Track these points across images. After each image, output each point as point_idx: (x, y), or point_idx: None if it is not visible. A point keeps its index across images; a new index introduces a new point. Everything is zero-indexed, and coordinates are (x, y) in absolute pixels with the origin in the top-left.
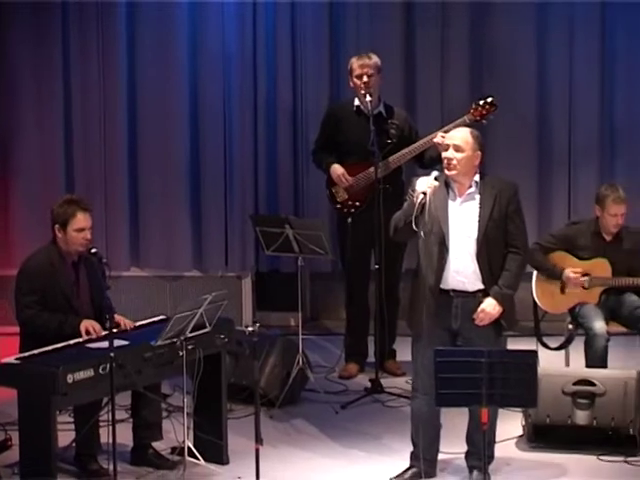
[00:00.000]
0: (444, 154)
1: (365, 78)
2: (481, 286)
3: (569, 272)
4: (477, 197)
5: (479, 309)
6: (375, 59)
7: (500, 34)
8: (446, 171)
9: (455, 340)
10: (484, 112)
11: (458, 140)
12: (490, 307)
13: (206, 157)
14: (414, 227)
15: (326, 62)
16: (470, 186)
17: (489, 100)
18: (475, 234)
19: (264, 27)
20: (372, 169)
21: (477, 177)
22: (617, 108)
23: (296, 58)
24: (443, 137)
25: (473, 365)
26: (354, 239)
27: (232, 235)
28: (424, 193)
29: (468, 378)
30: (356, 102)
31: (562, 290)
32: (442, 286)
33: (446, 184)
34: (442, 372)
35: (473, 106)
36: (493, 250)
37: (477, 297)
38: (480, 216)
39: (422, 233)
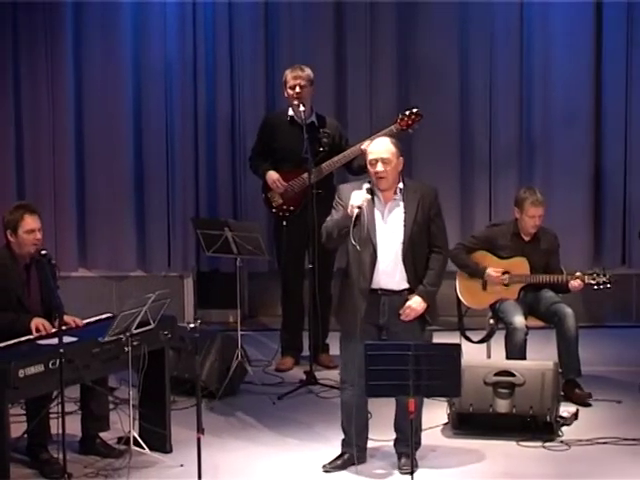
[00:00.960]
0: (374, 169)
1: (298, 89)
2: (407, 285)
3: (490, 271)
4: (401, 203)
5: (405, 305)
6: (308, 71)
7: (425, 39)
8: (377, 184)
9: (381, 334)
10: (410, 122)
11: (385, 153)
12: (416, 304)
13: (149, 163)
14: (352, 240)
15: (262, 73)
16: (395, 192)
17: (414, 110)
18: (401, 238)
19: (204, 33)
20: (305, 175)
21: (401, 184)
22: (535, 115)
23: (234, 68)
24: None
25: (401, 358)
26: (289, 241)
27: (174, 237)
28: (359, 207)
29: (396, 370)
30: (290, 112)
31: (484, 287)
32: (372, 286)
33: (372, 192)
34: (372, 365)
35: (399, 116)
36: (417, 251)
37: (403, 295)
38: (405, 221)
39: (357, 245)
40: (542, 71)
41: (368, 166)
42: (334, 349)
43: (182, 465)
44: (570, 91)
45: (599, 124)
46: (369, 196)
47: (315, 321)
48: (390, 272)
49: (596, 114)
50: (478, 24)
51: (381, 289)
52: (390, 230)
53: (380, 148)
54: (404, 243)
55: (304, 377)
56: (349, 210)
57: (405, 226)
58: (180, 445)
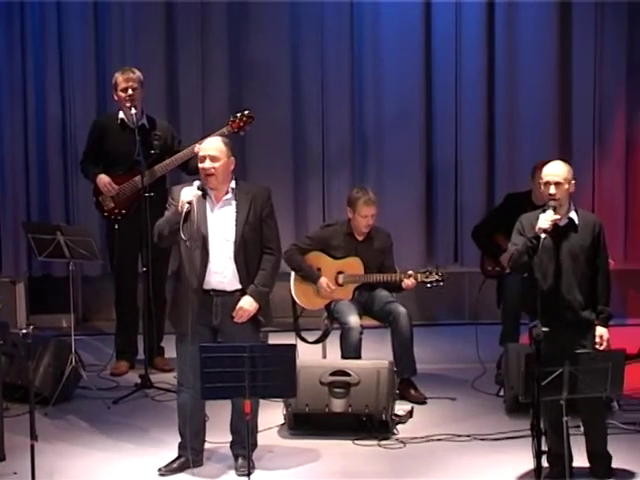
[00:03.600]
0: (201, 165)
1: (130, 91)
2: (239, 286)
3: (323, 282)
4: (233, 202)
5: (237, 307)
6: (138, 73)
7: (256, 40)
8: (206, 181)
9: (216, 336)
10: (241, 124)
11: (213, 151)
12: (247, 304)
13: None
14: (182, 235)
15: (92, 75)
16: (227, 192)
17: (246, 112)
18: (233, 237)
19: (31, 34)
20: (137, 178)
21: (233, 183)
22: (366, 116)
23: (64, 70)
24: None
25: (236, 360)
26: (122, 244)
27: (5, 242)
28: (189, 202)
29: (232, 372)
30: (121, 115)
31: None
32: (204, 287)
33: (204, 191)
34: (207, 367)
35: (231, 118)
36: (250, 252)
37: (235, 296)
38: (237, 220)
39: (188, 241)
40: (373, 71)
41: (198, 163)
42: (169, 352)
43: (15, 473)
44: (401, 91)
45: (430, 123)
46: (199, 192)
47: (150, 324)
48: (222, 272)
49: (427, 114)
50: (309, 24)
51: (213, 290)
52: (222, 229)
53: (210, 146)
54: (235, 242)
55: (139, 381)
56: (179, 206)
57: (237, 226)
58: (13, 452)
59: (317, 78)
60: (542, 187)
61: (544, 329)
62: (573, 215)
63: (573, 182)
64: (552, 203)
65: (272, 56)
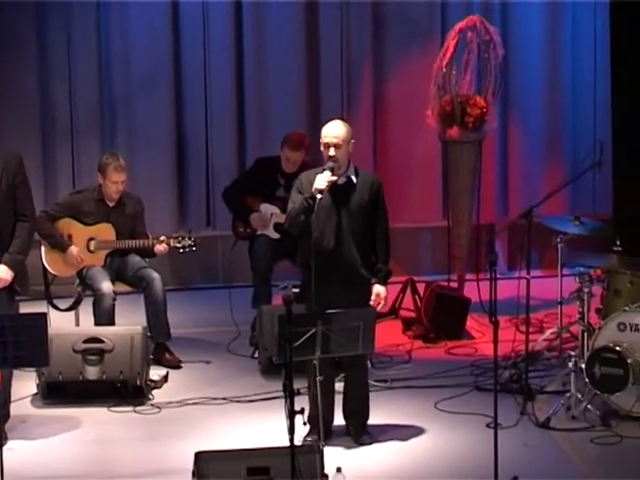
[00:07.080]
0: None
1: None
2: None
3: (73, 250)
4: None
5: None
6: None
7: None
8: None
9: None
10: None
11: None
12: (3, 273)
13: None
14: None
15: None
16: None
17: None
18: None
19: None
20: None
21: None
22: (115, 81)
23: None
24: None
25: None
26: None
27: None
28: None
29: None
30: None
31: None
32: None
33: None
34: None
35: None
36: (4, 220)
37: None
38: None
39: None
40: (120, 36)
41: None
42: None
43: None
44: (149, 56)
45: (180, 89)
46: None
47: None
48: None
49: (176, 78)
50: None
51: None
52: None
53: None
54: None
55: None
56: None
57: None
58: None
59: (63, 43)
60: (322, 148)
61: (295, 290)
62: (352, 174)
63: (352, 142)
64: (330, 164)
65: (16, 18)
